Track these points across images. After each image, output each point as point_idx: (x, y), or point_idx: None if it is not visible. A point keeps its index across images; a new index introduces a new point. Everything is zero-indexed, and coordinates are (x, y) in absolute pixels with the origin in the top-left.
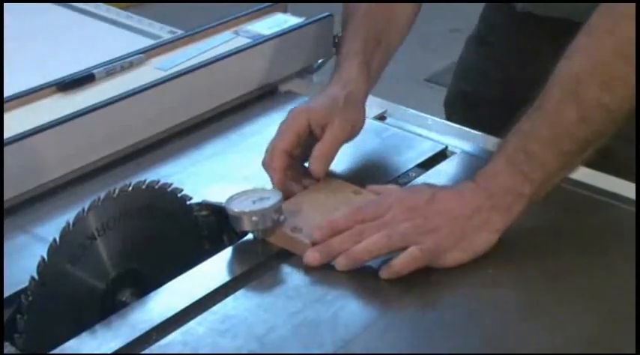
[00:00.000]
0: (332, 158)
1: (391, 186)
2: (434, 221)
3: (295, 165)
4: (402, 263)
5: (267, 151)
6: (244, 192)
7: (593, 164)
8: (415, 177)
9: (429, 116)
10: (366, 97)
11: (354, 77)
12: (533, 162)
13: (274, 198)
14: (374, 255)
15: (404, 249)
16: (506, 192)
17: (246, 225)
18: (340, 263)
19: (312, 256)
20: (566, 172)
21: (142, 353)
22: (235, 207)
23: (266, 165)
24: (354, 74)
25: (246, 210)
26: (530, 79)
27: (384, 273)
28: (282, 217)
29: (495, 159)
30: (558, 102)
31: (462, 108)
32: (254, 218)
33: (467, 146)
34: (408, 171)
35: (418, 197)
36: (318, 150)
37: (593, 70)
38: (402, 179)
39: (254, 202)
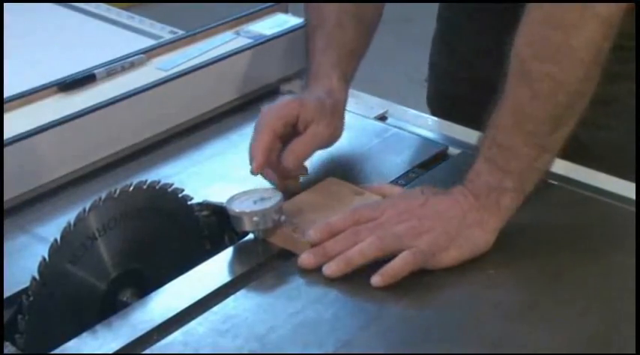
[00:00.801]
0: (306, 157)
1: (391, 185)
2: (428, 222)
3: (274, 157)
4: (395, 268)
5: (254, 130)
6: (245, 193)
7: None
8: (415, 178)
9: (429, 116)
10: (345, 100)
11: (336, 88)
12: (505, 153)
13: (275, 198)
14: (368, 259)
15: (398, 252)
16: (489, 191)
17: (247, 225)
18: (331, 268)
19: (307, 259)
20: (546, 157)
21: (143, 353)
22: (236, 208)
23: (251, 145)
24: (335, 86)
25: (247, 210)
26: (494, 76)
27: (377, 281)
28: (282, 217)
29: (477, 157)
30: (512, 86)
31: (440, 105)
32: (255, 218)
33: (467, 146)
34: (408, 171)
35: (412, 200)
36: (296, 143)
37: (529, 44)
38: (402, 180)
39: (255, 202)
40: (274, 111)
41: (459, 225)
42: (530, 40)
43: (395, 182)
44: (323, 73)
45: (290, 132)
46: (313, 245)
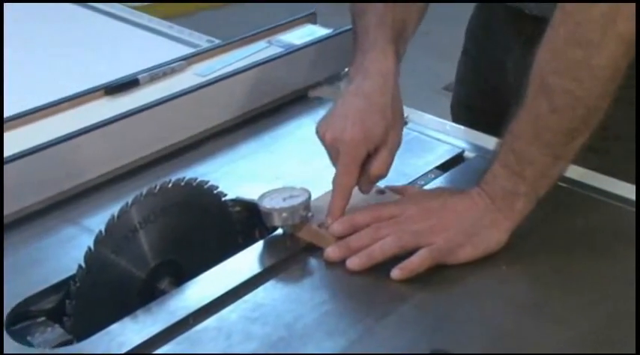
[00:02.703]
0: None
1: (412, 187)
2: (445, 221)
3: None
4: (413, 263)
5: (333, 184)
6: (275, 190)
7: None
8: (434, 179)
9: (447, 122)
10: (397, 87)
11: (391, 69)
12: (522, 160)
13: (303, 196)
14: (388, 255)
15: (416, 248)
16: (504, 194)
17: (276, 221)
18: (354, 262)
19: (332, 252)
20: (560, 165)
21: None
22: (267, 204)
23: (331, 201)
24: (391, 66)
25: (277, 206)
26: (513, 90)
27: (397, 274)
28: (309, 214)
29: (492, 163)
30: (532, 98)
31: (462, 112)
32: (284, 214)
33: (482, 150)
34: (427, 172)
35: (432, 200)
36: (386, 159)
37: (550, 60)
38: (421, 180)
39: (284, 200)
40: (347, 163)
41: (475, 225)
42: (552, 56)
43: (415, 182)
44: (379, 49)
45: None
46: (338, 239)
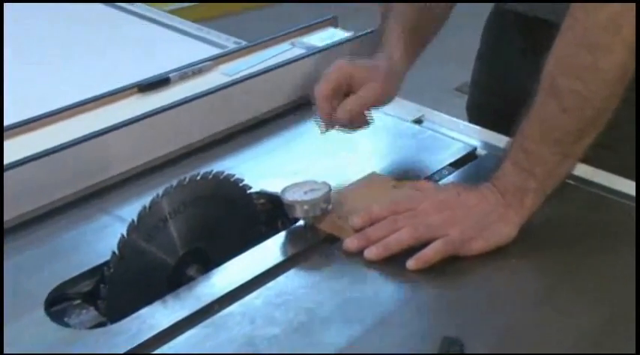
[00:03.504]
0: (358, 113)
1: (424, 181)
2: (458, 214)
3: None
4: (428, 254)
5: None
6: (297, 184)
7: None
8: (447, 175)
9: (460, 121)
10: (404, 74)
11: (396, 57)
12: (531, 158)
13: (323, 189)
14: (404, 246)
15: (431, 240)
16: (515, 190)
17: (298, 213)
18: (372, 252)
19: (350, 243)
20: (568, 163)
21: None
22: (289, 197)
23: (315, 98)
24: (396, 55)
25: (299, 199)
26: (523, 90)
27: (412, 264)
28: (330, 206)
29: (504, 159)
30: (541, 99)
31: (477, 114)
32: (305, 206)
33: (494, 148)
34: (441, 169)
35: (446, 194)
36: (349, 102)
37: (560, 62)
38: (435, 176)
39: (305, 193)
40: (328, 75)
41: (487, 219)
42: (561, 58)
43: (429, 178)
44: (388, 44)
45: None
46: (356, 230)
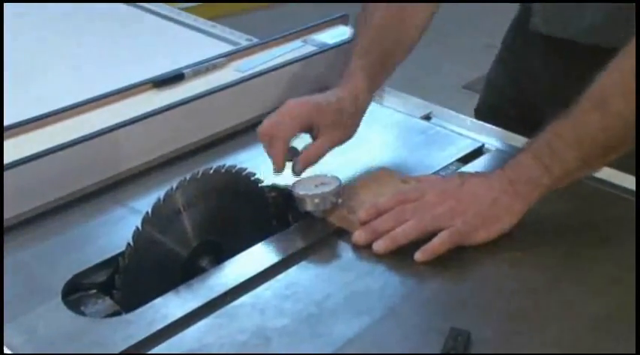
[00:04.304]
0: (316, 162)
1: (431, 176)
2: (463, 203)
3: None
4: (435, 246)
5: (270, 120)
6: (308, 178)
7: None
8: (455, 170)
9: (468, 118)
10: (367, 107)
11: (360, 94)
12: (555, 157)
13: (334, 183)
14: (410, 238)
15: (437, 231)
16: (527, 181)
17: (308, 206)
18: (380, 245)
19: (358, 236)
20: (587, 170)
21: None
22: (300, 191)
23: (267, 147)
24: (360, 91)
25: (310, 193)
26: (540, 96)
27: (419, 256)
28: (340, 200)
29: (523, 152)
30: (585, 110)
31: (487, 117)
32: (316, 200)
33: (500, 144)
34: (448, 164)
35: (451, 183)
36: (309, 154)
37: (620, 84)
38: (443, 171)
39: (316, 186)
40: (288, 119)
41: (490, 208)
42: (621, 80)
43: (437, 172)
44: (354, 75)
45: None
46: (363, 223)
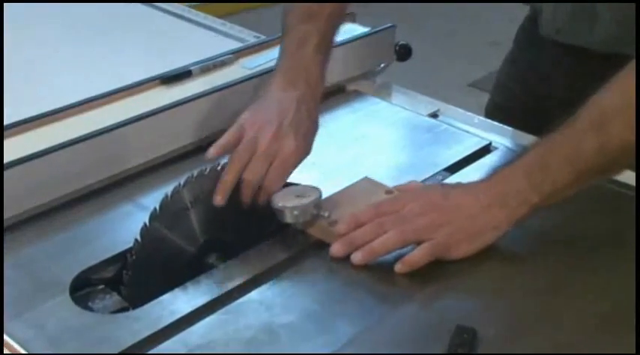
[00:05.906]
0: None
1: (413, 183)
2: (447, 215)
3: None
4: (414, 257)
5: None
6: (288, 189)
7: None
8: (462, 168)
9: (475, 115)
10: (323, 84)
11: (309, 63)
12: (546, 175)
13: (314, 194)
14: (389, 250)
15: (418, 242)
16: (515, 196)
17: (288, 218)
18: (357, 257)
19: (336, 249)
20: (577, 187)
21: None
22: (279, 202)
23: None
24: (309, 59)
25: (289, 204)
26: (548, 97)
27: (399, 267)
28: (321, 212)
29: (513, 164)
30: (583, 129)
31: (496, 117)
32: (295, 212)
33: (508, 142)
34: (455, 162)
35: (433, 193)
36: (274, 185)
37: (621, 108)
38: (450, 169)
39: (296, 197)
40: (232, 164)
41: (475, 222)
42: (622, 104)
43: (444, 171)
44: (292, 51)
45: None
46: (342, 235)
